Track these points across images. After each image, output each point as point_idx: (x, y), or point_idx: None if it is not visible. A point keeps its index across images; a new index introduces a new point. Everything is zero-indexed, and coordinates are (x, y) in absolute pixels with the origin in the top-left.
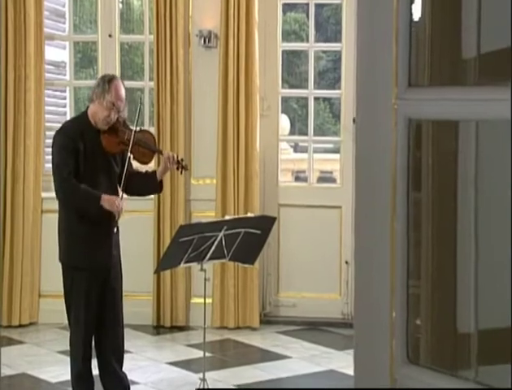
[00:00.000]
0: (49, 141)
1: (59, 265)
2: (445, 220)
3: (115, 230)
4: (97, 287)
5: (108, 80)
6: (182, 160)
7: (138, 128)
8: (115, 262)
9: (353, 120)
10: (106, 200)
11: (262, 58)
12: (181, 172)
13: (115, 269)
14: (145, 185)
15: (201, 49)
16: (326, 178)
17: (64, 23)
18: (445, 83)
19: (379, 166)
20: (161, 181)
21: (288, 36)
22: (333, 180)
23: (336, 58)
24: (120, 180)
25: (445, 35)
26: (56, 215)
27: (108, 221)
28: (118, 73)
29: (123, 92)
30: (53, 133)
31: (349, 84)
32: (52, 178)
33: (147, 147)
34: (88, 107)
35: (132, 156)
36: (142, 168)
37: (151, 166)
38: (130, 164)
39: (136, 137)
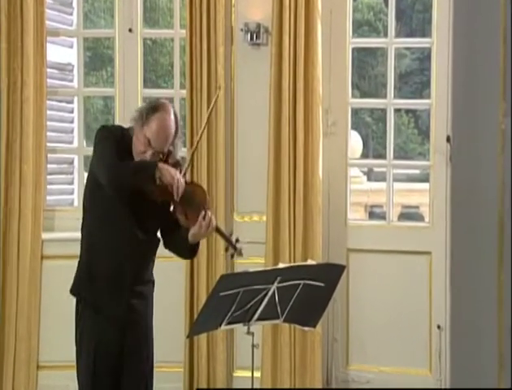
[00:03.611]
0: (52, 166)
1: (63, 328)
2: None
3: (172, 208)
4: (113, 340)
5: (152, 109)
6: (237, 240)
7: (188, 178)
8: (137, 316)
9: (447, 139)
10: (165, 168)
11: (326, 59)
12: (232, 256)
13: (137, 327)
14: (177, 243)
15: (248, 48)
16: (410, 215)
17: (71, 14)
18: None
19: (482, 201)
20: (196, 245)
21: (360, 28)
22: (420, 218)
23: (424, 56)
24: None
25: None
26: (60, 262)
27: (138, 265)
28: (140, 77)
29: (168, 129)
30: (56, 156)
31: (441, 92)
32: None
33: (194, 208)
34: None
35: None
36: None
37: None
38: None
39: (184, 191)
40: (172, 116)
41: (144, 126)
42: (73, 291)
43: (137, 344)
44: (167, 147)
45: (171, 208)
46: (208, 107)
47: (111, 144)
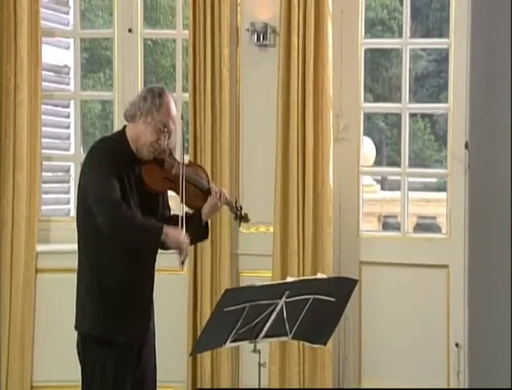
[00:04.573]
0: (47, 175)
1: (58, 346)
2: None
3: (183, 266)
4: (130, 372)
5: (159, 94)
6: (241, 207)
7: (186, 160)
8: (150, 337)
9: (466, 145)
10: (171, 234)
11: (337, 60)
12: (239, 224)
13: (149, 347)
14: (189, 232)
15: (254, 49)
16: (427, 226)
17: (68, 13)
18: None
19: (502, 212)
20: (206, 224)
21: (373, 28)
22: (437, 229)
23: (441, 57)
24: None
25: None
26: (55, 276)
27: (150, 279)
28: (140, 80)
29: (175, 109)
30: (51, 163)
31: (459, 95)
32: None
33: (199, 186)
34: (124, 128)
35: (179, 198)
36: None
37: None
38: (168, 206)
39: (185, 173)
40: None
41: (156, 113)
42: (84, 330)
43: (150, 365)
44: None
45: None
46: (212, 111)
47: (111, 174)
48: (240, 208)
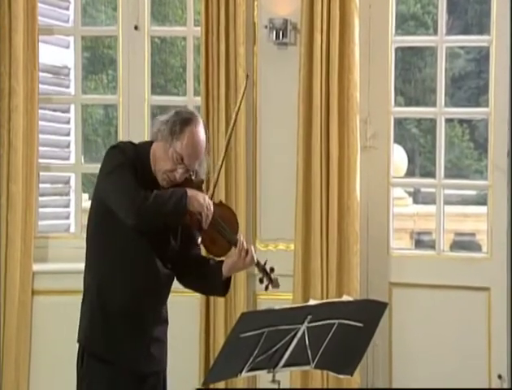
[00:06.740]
0: (44, 186)
1: (56, 372)
2: None
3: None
4: None
5: (183, 121)
6: (272, 270)
7: (215, 198)
8: (158, 368)
9: (509, 154)
10: (195, 196)
11: (364, 60)
12: (266, 288)
13: (155, 377)
14: (205, 279)
15: (273, 48)
16: (465, 243)
17: (67, 8)
18: None
19: None
20: (228, 280)
21: (404, 23)
22: (477, 247)
23: (481, 56)
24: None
25: None
26: (53, 298)
27: (158, 302)
28: (147, 82)
29: (201, 144)
30: (50, 174)
31: (501, 98)
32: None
33: (223, 233)
34: (151, 144)
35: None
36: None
37: None
38: (197, 243)
39: (213, 214)
40: (203, 129)
41: (175, 141)
42: (83, 343)
43: None
44: (197, 164)
45: (199, 239)
46: (226, 117)
47: (130, 172)
48: (271, 270)
